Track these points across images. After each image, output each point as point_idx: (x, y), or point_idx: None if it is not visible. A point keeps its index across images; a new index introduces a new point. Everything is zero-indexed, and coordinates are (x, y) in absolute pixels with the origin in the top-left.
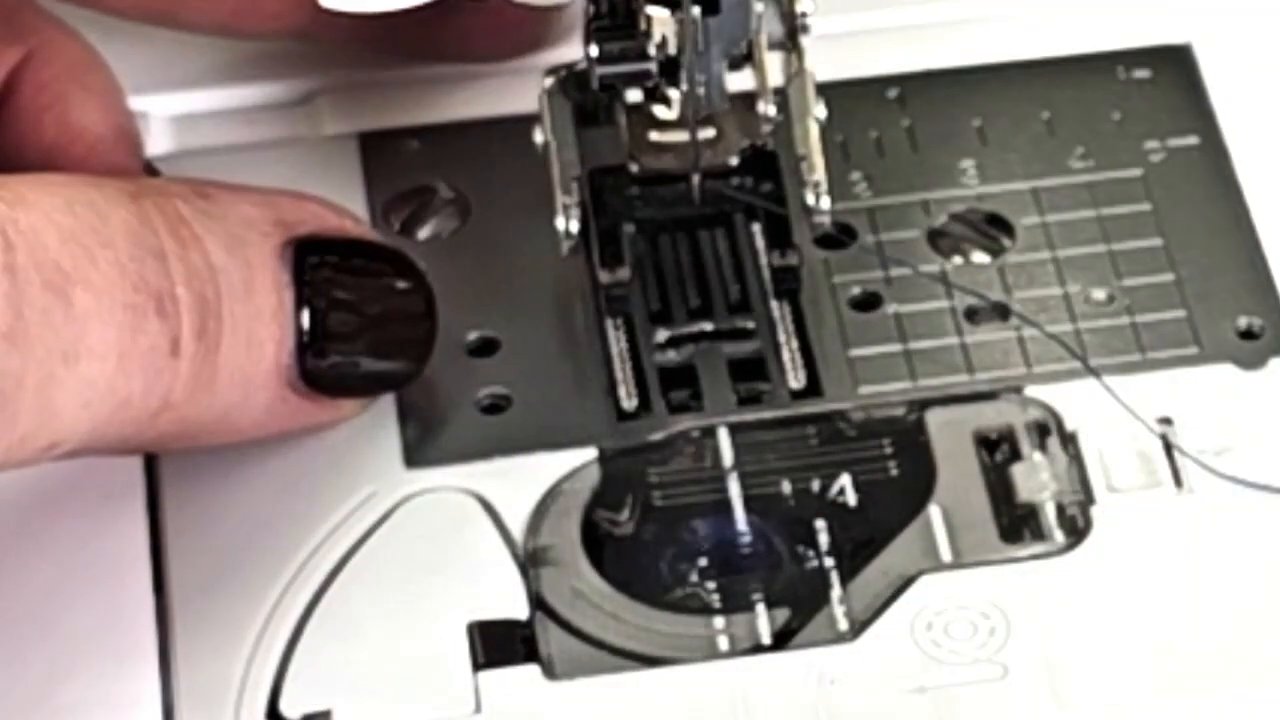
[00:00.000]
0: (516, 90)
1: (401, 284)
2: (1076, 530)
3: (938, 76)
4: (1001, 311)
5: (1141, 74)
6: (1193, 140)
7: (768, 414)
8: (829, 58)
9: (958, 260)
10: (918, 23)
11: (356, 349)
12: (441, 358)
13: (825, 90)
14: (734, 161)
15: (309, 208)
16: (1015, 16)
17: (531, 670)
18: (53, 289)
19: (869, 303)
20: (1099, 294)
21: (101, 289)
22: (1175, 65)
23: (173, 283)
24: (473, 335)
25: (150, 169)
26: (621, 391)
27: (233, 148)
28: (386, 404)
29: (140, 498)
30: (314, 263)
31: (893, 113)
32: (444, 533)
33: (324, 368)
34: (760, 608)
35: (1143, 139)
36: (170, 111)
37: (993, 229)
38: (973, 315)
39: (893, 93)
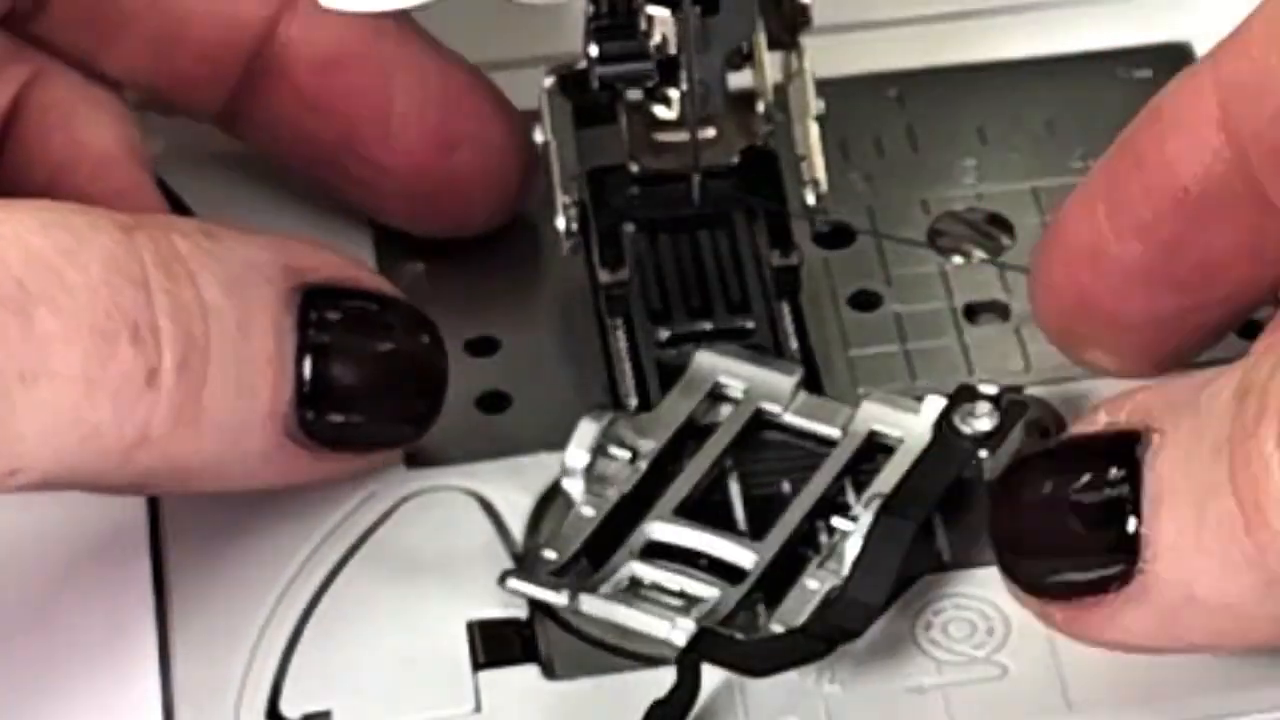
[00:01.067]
0: (516, 88)
1: (412, 343)
2: None
3: (938, 75)
4: (1001, 311)
5: (1142, 73)
6: None
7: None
8: (828, 56)
9: (957, 260)
10: (917, 21)
11: (358, 407)
12: None
13: (824, 88)
14: (734, 161)
15: (322, 255)
16: (1015, 15)
17: (531, 670)
18: (11, 306)
19: (869, 302)
20: None
21: (69, 311)
22: (1175, 64)
23: (154, 313)
24: (472, 334)
25: (163, 185)
26: (621, 391)
27: (233, 153)
28: None
29: (140, 498)
30: (322, 312)
31: (892, 112)
32: (444, 532)
33: (323, 421)
34: (760, 607)
35: None
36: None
37: (992, 228)
38: (972, 315)
39: (892, 92)
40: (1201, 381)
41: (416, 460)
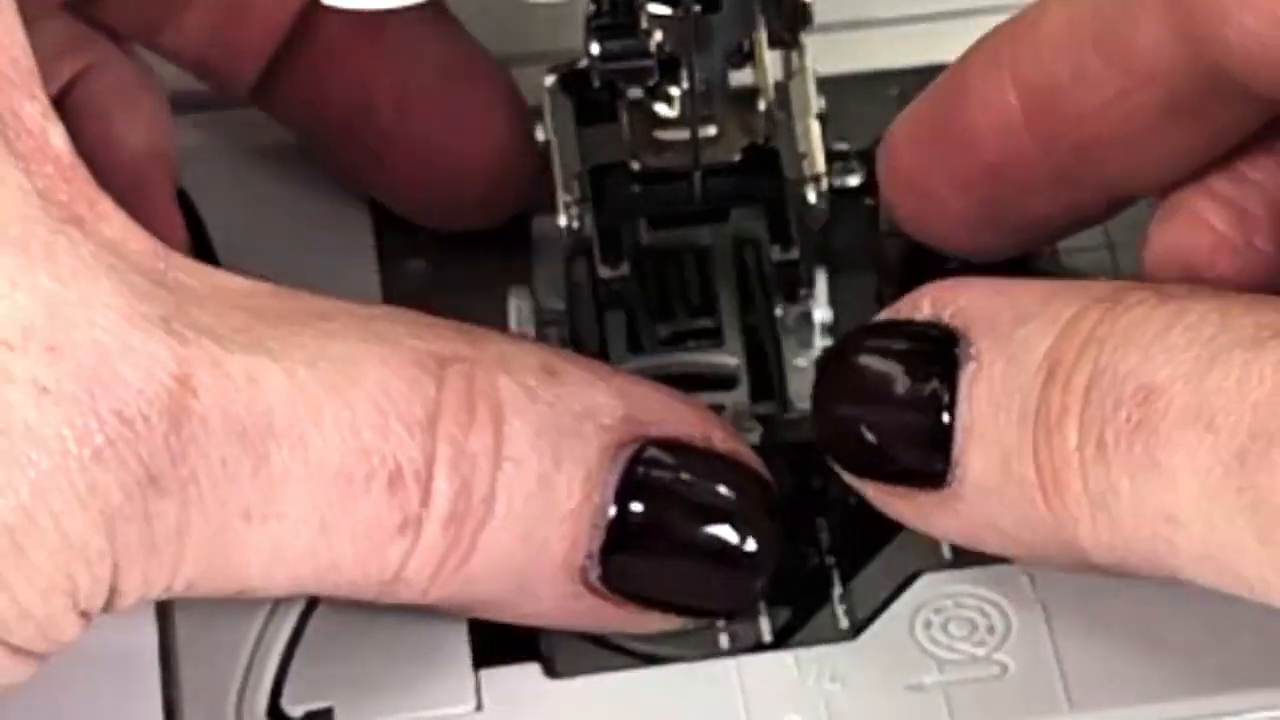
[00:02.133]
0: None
1: (744, 529)
2: None
3: (938, 74)
4: None
5: None
6: None
7: (768, 411)
8: (829, 54)
9: (955, 261)
10: (918, 20)
11: (664, 580)
12: None
13: (824, 86)
14: (735, 159)
15: (677, 410)
16: (1016, 12)
17: (532, 668)
18: (243, 442)
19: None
20: None
21: (314, 451)
22: None
23: (430, 462)
24: None
25: (182, 195)
26: None
27: (234, 146)
28: None
29: None
30: (654, 470)
31: (893, 110)
32: None
33: (625, 580)
34: (761, 605)
35: None
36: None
37: None
38: None
39: (893, 90)
40: (1023, 303)
41: None
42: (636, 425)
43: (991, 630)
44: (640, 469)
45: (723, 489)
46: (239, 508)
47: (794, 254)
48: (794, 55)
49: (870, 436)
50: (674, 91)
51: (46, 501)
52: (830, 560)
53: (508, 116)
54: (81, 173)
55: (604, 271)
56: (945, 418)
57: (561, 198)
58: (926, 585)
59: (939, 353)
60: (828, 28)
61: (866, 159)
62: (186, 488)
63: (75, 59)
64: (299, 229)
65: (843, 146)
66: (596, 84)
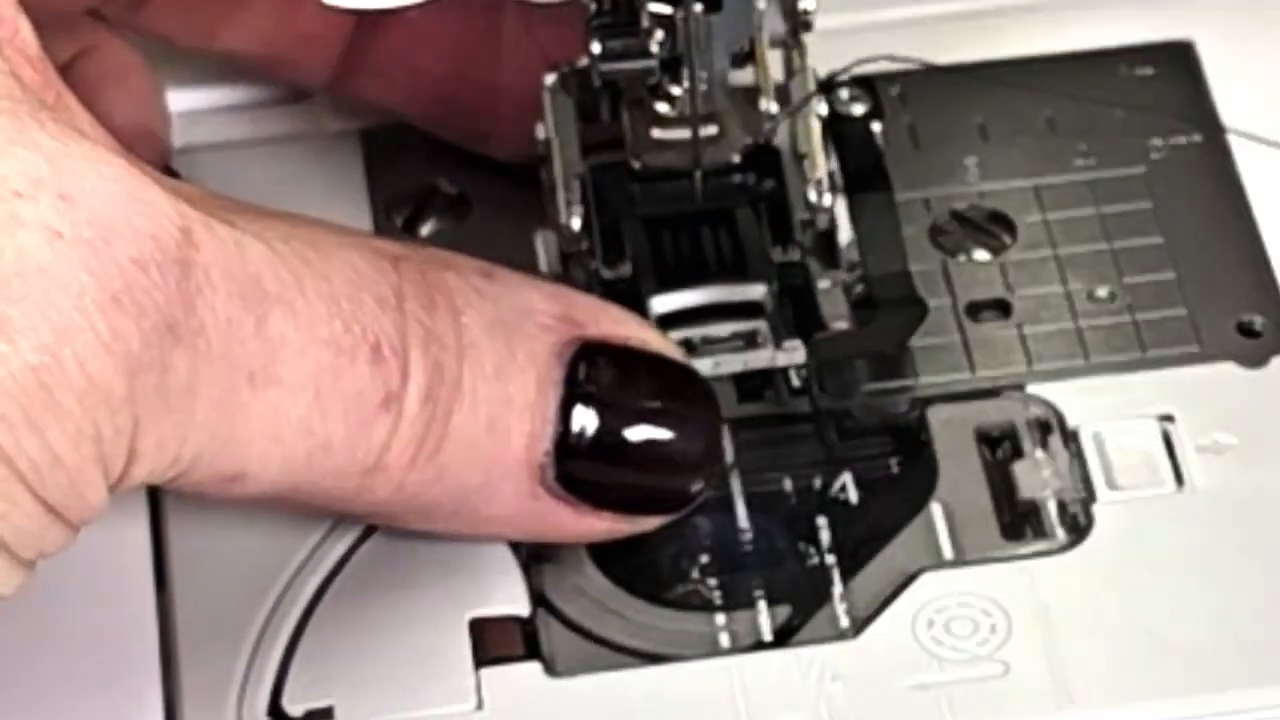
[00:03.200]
0: None
1: (685, 413)
2: (1078, 528)
3: (939, 73)
4: (1003, 309)
5: (1144, 71)
6: (1195, 138)
7: (769, 410)
8: (830, 54)
9: (959, 258)
10: (919, 19)
11: (620, 471)
12: None
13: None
14: (735, 158)
15: (607, 311)
16: (1017, 13)
17: (533, 667)
18: (243, 301)
19: (870, 301)
20: (1100, 291)
21: (304, 318)
22: (1177, 62)
23: (402, 339)
24: None
25: (170, 172)
26: None
27: (235, 144)
28: None
29: (143, 494)
30: (595, 368)
31: (894, 109)
32: None
33: (583, 479)
34: (761, 605)
35: (1145, 136)
36: (174, 107)
37: (994, 226)
38: (974, 312)
39: (894, 89)
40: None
41: None
42: (575, 325)
43: (993, 629)
44: (584, 367)
45: (662, 385)
46: (245, 369)
47: (794, 255)
48: (794, 56)
49: None
50: (675, 91)
51: (71, 343)
52: (830, 560)
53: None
54: (50, 68)
55: (606, 272)
56: None
57: (563, 196)
58: (927, 585)
59: None
60: (827, 28)
61: (869, 88)
62: (197, 340)
63: (70, 43)
64: None
65: (843, 77)
66: (597, 83)
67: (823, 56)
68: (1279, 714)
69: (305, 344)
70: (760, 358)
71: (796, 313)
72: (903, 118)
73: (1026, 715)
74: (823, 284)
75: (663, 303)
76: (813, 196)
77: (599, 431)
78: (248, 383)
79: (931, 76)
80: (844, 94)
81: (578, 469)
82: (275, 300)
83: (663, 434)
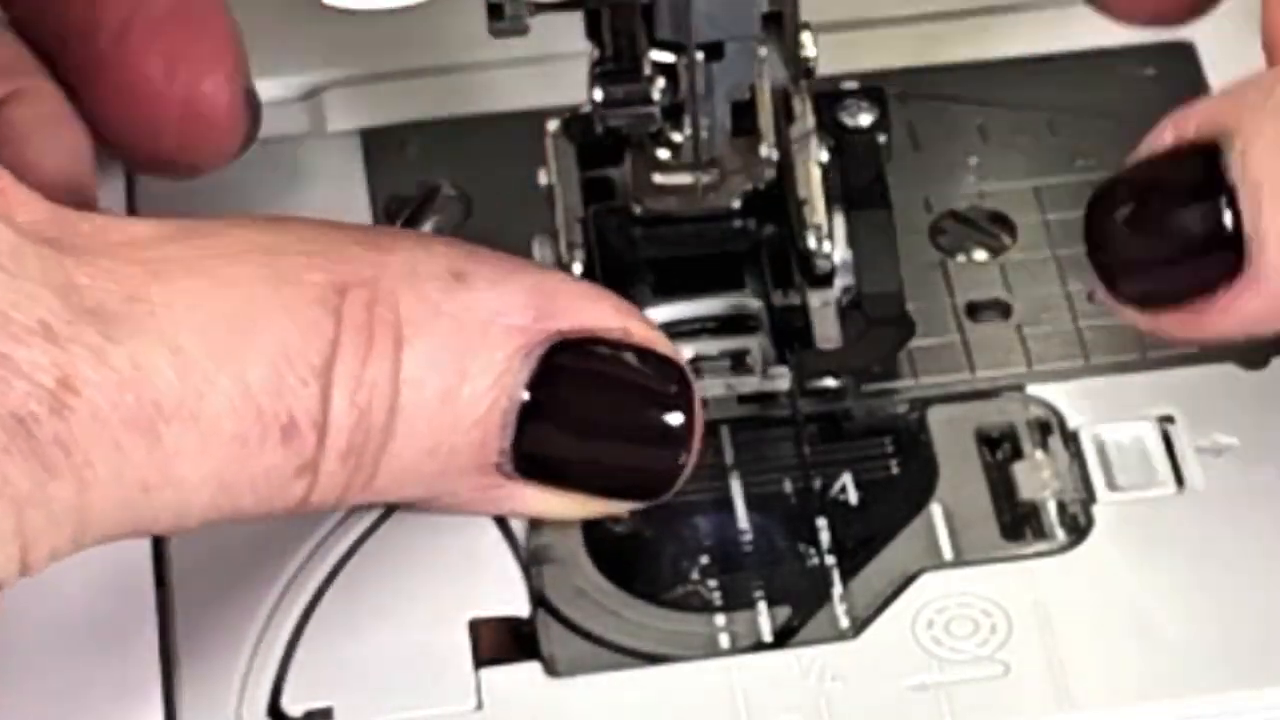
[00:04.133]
0: (519, 86)
1: (658, 408)
2: (1078, 528)
3: (939, 73)
4: (1003, 309)
5: (1145, 71)
6: None
7: (769, 411)
8: (830, 53)
9: (959, 258)
10: (919, 19)
11: (580, 469)
12: None
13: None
14: (736, 204)
15: (595, 301)
16: (1017, 13)
17: (533, 668)
18: (136, 427)
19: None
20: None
21: (207, 422)
22: (1178, 62)
23: (326, 404)
24: None
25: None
26: None
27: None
28: None
29: None
30: (567, 360)
31: (894, 110)
32: (446, 530)
33: (537, 469)
34: (761, 605)
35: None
36: None
37: (994, 226)
38: (974, 313)
39: (894, 89)
40: (1265, 86)
41: None
42: (548, 321)
43: (993, 630)
44: (554, 360)
45: (636, 376)
46: (136, 482)
47: (795, 299)
48: (796, 101)
49: (1163, 281)
50: (676, 137)
51: None
52: (830, 561)
53: (225, 71)
54: None
55: None
56: (1226, 203)
57: (564, 240)
58: (927, 585)
59: (1200, 162)
60: (828, 28)
61: (876, 98)
62: (82, 472)
63: (3, 82)
64: None
65: (851, 86)
66: (599, 129)
67: (823, 55)
68: (1278, 715)
69: (207, 447)
70: (747, 384)
71: (787, 331)
72: (903, 118)
73: (1026, 715)
74: (814, 302)
75: (654, 315)
76: (812, 243)
77: (554, 424)
78: (141, 491)
79: (931, 76)
80: (849, 103)
81: (534, 459)
82: (174, 416)
83: (626, 422)
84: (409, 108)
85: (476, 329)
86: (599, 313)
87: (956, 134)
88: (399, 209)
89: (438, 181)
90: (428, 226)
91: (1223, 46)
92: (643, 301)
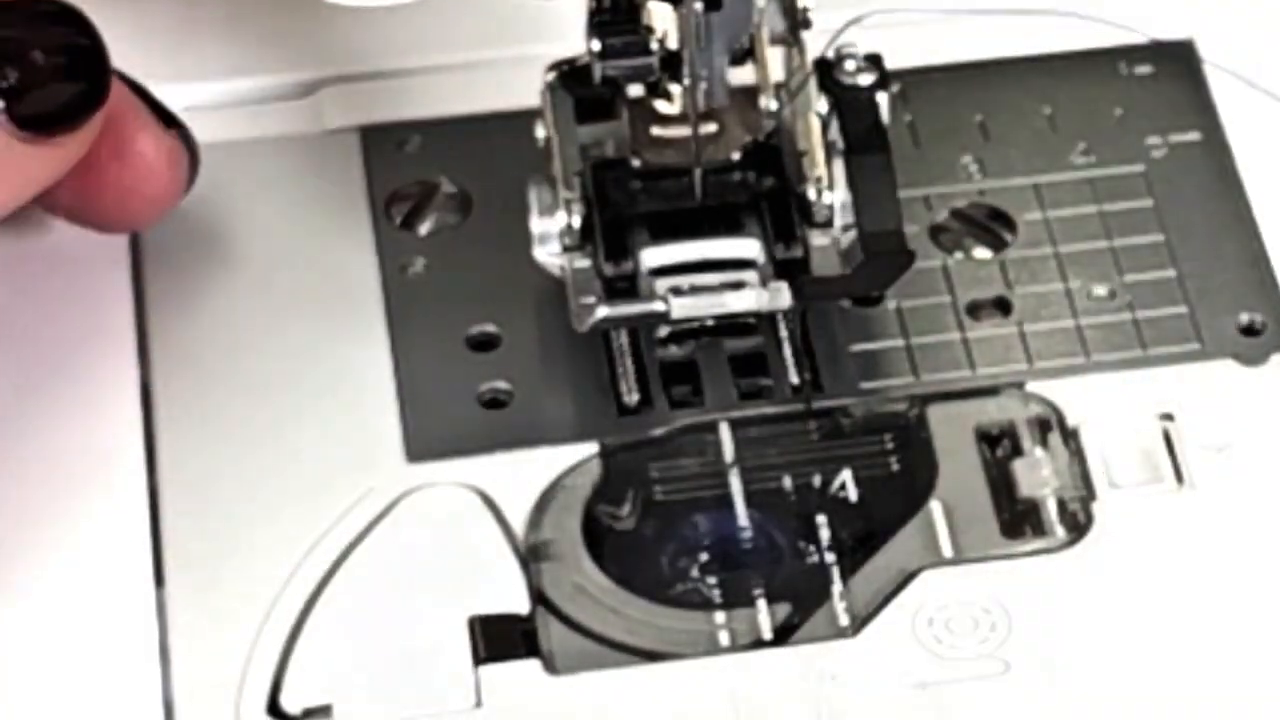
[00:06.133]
0: (518, 84)
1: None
2: (1078, 526)
3: (940, 72)
4: (1003, 307)
5: (1144, 70)
6: (1194, 136)
7: (769, 409)
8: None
9: (959, 256)
10: (918, 19)
11: (35, 78)
12: (442, 352)
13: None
14: (735, 156)
15: None
16: (1017, 12)
17: (532, 665)
18: None
19: (871, 298)
20: (1100, 290)
21: None
22: (1177, 61)
23: None
24: (474, 330)
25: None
26: (623, 386)
27: (235, 142)
28: (387, 398)
29: (142, 493)
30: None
31: (895, 108)
32: (445, 527)
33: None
34: (761, 603)
35: (1145, 135)
36: (173, 105)
37: (994, 224)
38: (974, 311)
39: (895, 88)
40: None
41: (417, 455)
42: None
43: (993, 628)
44: None
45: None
46: None
47: (796, 251)
48: (795, 53)
49: None
50: (674, 89)
51: None
52: (830, 558)
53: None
54: None
55: (607, 269)
56: None
57: (562, 195)
58: (927, 584)
59: None
60: (828, 27)
61: (876, 62)
62: None
63: None
64: (299, 228)
65: (852, 49)
66: (597, 80)
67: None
68: (1278, 714)
69: None
70: (745, 298)
71: (788, 266)
72: (903, 115)
73: (1025, 716)
74: (819, 241)
75: (654, 255)
76: (812, 194)
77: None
78: None
79: (932, 75)
80: (850, 65)
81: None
82: None
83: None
84: (408, 105)
85: None
86: None
87: (957, 132)
88: (397, 207)
89: (436, 179)
90: (426, 225)
91: (1222, 45)
92: (642, 246)
